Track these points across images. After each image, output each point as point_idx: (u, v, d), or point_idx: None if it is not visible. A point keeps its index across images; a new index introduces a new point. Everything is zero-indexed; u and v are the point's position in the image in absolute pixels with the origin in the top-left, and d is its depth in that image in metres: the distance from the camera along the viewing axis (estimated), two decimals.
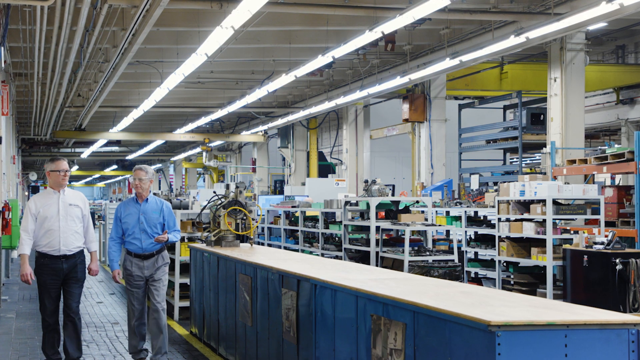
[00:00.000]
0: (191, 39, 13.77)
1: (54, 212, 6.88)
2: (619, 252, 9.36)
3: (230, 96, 21.60)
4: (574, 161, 12.81)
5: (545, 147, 14.46)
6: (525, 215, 10.80)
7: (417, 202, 12.87)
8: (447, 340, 3.82)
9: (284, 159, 28.97)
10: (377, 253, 10.98)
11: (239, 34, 12.59)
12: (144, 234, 7.26)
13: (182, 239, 10.53)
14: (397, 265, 10.35)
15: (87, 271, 7.14)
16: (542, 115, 16.31)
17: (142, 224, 7.26)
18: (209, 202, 9.25)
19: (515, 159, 18.88)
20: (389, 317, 4.34)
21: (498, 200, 11.35)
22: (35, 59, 13.50)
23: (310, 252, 13.65)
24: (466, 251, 12.70)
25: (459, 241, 12.46)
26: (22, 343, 8.76)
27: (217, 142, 31.25)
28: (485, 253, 12.59)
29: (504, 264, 11.67)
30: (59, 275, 6.91)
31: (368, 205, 11.39)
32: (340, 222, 12.68)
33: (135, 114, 21.39)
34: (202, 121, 24.56)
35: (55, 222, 6.86)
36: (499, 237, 11.26)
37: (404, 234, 10.47)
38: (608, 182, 18.89)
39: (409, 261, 10.02)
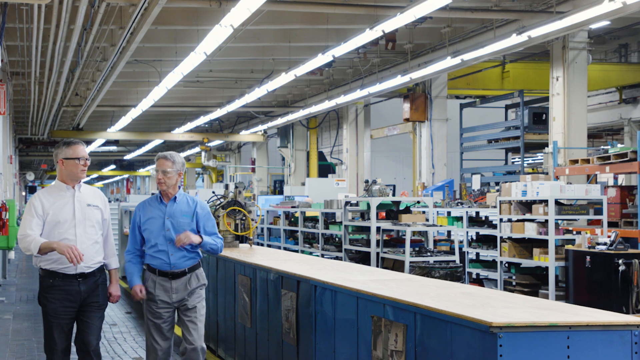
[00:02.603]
0: (190, 37, 13.71)
1: (69, 214, 5.01)
2: (621, 252, 9.31)
3: (230, 95, 21.55)
4: (576, 161, 12.75)
5: (547, 146, 14.42)
6: (527, 216, 10.75)
7: (418, 202, 12.84)
8: (448, 341, 3.78)
9: (283, 158, 28.91)
10: (377, 254, 10.92)
11: (238, 33, 12.51)
12: (172, 244, 5.42)
13: None
14: (397, 266, 10.29)
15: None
16: (544, 115, 16.26)
17: (169, 232, 5.42)
18: (207, 203, 9.18)
19: (517, 159, 18.81)
20: (390, 318, 4.30)
21: (500, 201, 11.30)
22: (32, 57, 13.46)
23: (310, 253, 13.56)
24: (467, 252, 12.65)
25: (460, 242, 12.40)
26: (19, 345, 8.66)
27: (216, 142, 31.22)
28: (486, 254, 12.55)
29: (506, 264, 11.63)
30: (74, 301, 5.02)
31: (368, 205, 11.33)
32: (341, 222, 12.61)
33: (133, 113, 21.37)
34: (201, 121, 24.54)
35: (70, 228, 4.98)
36: (501, 237, 11.22)
37: (404, 235, 10.41)
38: (611, 182, 18.82)
39: (410, 262, 9.96)
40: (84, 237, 5.02)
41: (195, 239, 5.41)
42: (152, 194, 6.31)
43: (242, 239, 8.74)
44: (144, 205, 5.62)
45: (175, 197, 5.51)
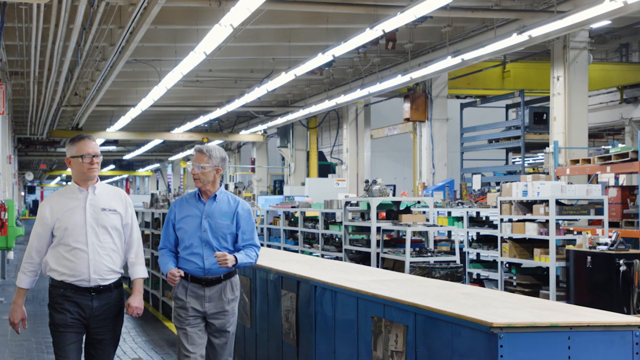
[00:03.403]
0: (189, 37, 13.68)
1: (79, 220, 4.42)
2: (623, 253, 9.27)
3: (229, 95, 21.52)
4: (577, 161, 12.73)
5: (548, 146, 14.39)
6: (528, 216, 10.72)
7: (419, 202, 12.81)
8: (448, 342, 3.78)
9: (283, 158, 28.87)
10: (377, 254, 10.88)
11: (237, 32, 12.47)
12: (208, 247, 4.88)
13: None
14: (398, 266, 10.26)
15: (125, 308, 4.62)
16: (544, 115, 16.23)
17: (206, 233, 4.89)
18: None
19: (517, 159, 18.78)
20: (390, 318, 4.30)
21: (500, 201, 11.26)
22: (31, 57, 13.44)
23: (310, 253, 13.52)
24: (468, 252, 12.62)
25: (461, 242, 12.36)
26: (18, 345, 8.62)
27: (216, 142, 31.16)
28: (487, 254, 12.52)
29: (506, 265, 11.60)
30: (84, 317, 4.43)
31: (369, 205, 11.29)
32: (341, 222, 12.56)
33: (132, 113, 21.34)
34: (201, 120, 24.52)
35: (81, 236, 4.41)
36: (501, 237, 11.18)
37: (405, 235, 10.37)
38: (612, 182, 18.77)
39: (410, 262, 9.92)
40: (97, 246, 4.42)
41: (231, 261, 4.80)
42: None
43: None
44: (180, 201, 5.07)
45: (215, 195, 4.96)
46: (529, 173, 15.42)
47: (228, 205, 4.97)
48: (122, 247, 4.55)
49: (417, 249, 10.41)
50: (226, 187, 9.50)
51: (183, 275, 4.88)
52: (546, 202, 10.33)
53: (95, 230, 4.43)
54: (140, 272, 4.62)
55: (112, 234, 4.48)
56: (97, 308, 4.42)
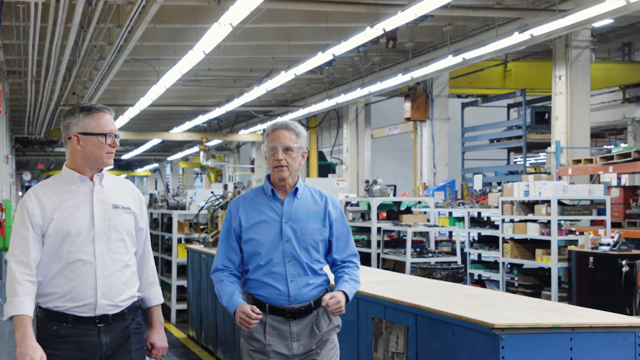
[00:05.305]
0: (188, 36, 13.61)
1: (84, 222, 3.20)
2: (625, 253, 9.25)
3: (229, 94, 21.48)
4: (579, 161, 12.71)
5: (550, 146, 14.34)
6: (530, 216, 10.70)
7: (419, 202, 12.78)
8: (450, 343, 3.75)
9: None
10: (378, 254, 10.83)
11: (237, 31, 12.40)
12: (294, 264, 3.54)
13: (179, 240, 10.32)
14: (398, 267, 10.20)
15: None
16: (546, 114, 16.21)
17: (289, 243, 3.54)
18: (206, 203, 9.12)
19: (519, 159, 18.74)
20: (391, 319, 4.26)
21: (502, 201, 11.24)
22: (29, 56, 13.42)
23: None
24: (469, 253, 12.60)
25: (462, 242, 12.32)
26: (15, 346, 8.54)
27: (215, 142, 31.15)
28: (488, 255, 12.50)
29: (508, 265, 11.58)
30: None
31: (369, 205, 11.24)
32: None
33: (131, 112, 21.30)
34: (200, 120, 24.49)
35: (86, 244, 3.18)
36: (503, 238, 11.17)
37: (405, 235, 10.32)
38: (614, 182, 18.73)
39: (411, 263, 9.87)
40: (107, 259, 3.21)
41: (343, 300, 3.51)
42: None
43: None
44: (244, 201, 3.62)
45: (296, 190, 3.60)
46: (531, 173, 15.37)
47: (314, 202, 3.62)
48: (137, 260, 3.39)
49: (418, 249, 10.36)
50: (225, 187, 9.43)
51: (260, 314, 3.47)
52: (548, 202, 10.30)
53: (107, 235, 3.23)
54: (159, 296, 3.47)
55: (126, 241, 3.29)
56: (108, 345, 3.21)
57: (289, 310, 3.52)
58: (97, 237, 3.20)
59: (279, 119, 3.69)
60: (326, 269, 3.70)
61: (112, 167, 3.59)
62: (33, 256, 3.13)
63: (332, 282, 3.72)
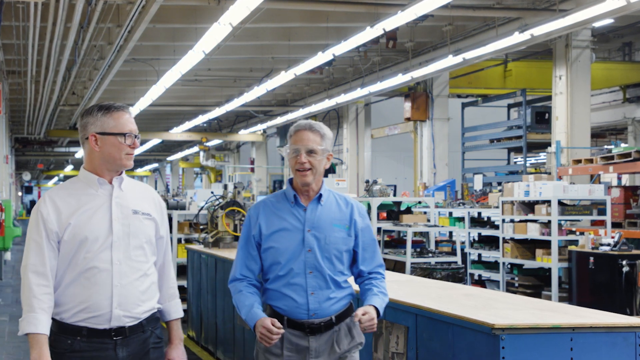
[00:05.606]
0: (188, 36, 13.59)
1: (102, 228, 3.02)
2: (625, 253, 9.24)
3: (228, 94, 21.46)
4: (579, 161, 12.69)
5: (550, 146, 14.32)
6: (530, 216, 10.68)
7: (420, 202, 12.77)
8: (450, 343, 3.73)
9: (283, 158, 28.79)
10: None
11: (237, 31, 12.38)
12: (315, 275, 3.33)
13: (179, 240, 10.30)
14: (399, 267, 10.19)
15: None
16: (547, 114, 16.20)
17: (311, 253, 3.33)
18: (206, 203, 9.09)
19: (519, 159, 18.73)
20: (391, 320, 4.23)
21: (502, 201, 11.22)
22: (28, 56, 13.40)
23: None
24: (469, 253, 12.59)
25: (462, 242, 12.31)
26: (15, 347, 8.55)
27: (215, 142, 31.13)
28: (488, 255, 12.49)
29: (508, 265, 11.56)
30: None
31: (369, 205, 11.21)
32: None
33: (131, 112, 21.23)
34: (200, 120, 24.47)
35: (103, 251, 3.00)
36: (503, 238, 11.15)
37: (405, 235, 10.31)
38: (614, 182, 18.73)
39: (411, 263, 9.86)
40: (125, 267, 3.01)
41: (375, 316, 3.30)
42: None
43: None
44: (264, 207, 3.41)
45: (320, 196, 3.37)
46: (531, 173, 15.35)
47: (339, 209, 3.40)
48: (155, 270, 3.17)
49: (418, 249, 10.35)
50: (225, 187, 9.39)
51: (282, 329, 3.27)
52: (548, 202, 10.29)
53: (125, 242, 3.03)
54: (179, 309, 3.27)
55: (145, 248, 3.10)
56: (124, 359, 3.02)
57: (308, 324, 3.31)
58: (115, 244, 3.01)
59: (305, 121, 3.46)
60: (350, 280, 3.50)
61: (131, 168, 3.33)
62: (49, 265, 2.96)
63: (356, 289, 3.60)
